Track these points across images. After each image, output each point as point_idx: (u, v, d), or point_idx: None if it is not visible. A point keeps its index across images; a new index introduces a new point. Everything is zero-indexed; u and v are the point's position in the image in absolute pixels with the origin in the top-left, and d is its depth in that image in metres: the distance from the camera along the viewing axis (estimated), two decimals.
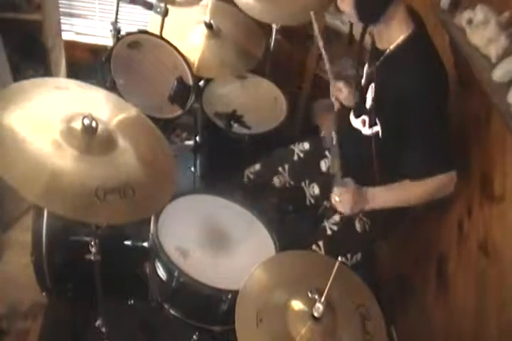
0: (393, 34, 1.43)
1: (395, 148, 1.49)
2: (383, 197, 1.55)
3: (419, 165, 1.46)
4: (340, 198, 1.54)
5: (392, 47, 1.44)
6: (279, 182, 1.91)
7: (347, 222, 1.66)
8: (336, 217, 1.69)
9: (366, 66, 1.62)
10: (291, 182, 1.89)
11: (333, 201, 1.56)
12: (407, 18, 1.42)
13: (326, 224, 1.70)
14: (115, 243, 1.65)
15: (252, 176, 1.97)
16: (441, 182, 1.45)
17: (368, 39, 1.54)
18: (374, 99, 1.51)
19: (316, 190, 1.84)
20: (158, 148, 1.45)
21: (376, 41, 1.52)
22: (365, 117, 1.57)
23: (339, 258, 1.14)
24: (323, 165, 1.85)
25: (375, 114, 1.52)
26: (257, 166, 1.96)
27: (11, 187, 1.10)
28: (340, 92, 1.84)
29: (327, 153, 1.85)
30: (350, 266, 1.65)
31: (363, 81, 1.64)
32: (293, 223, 1.58)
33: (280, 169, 1.90)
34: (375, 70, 1.51)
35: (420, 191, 1.48)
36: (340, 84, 1.83)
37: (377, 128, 1.53)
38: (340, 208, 1.55)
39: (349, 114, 1.70)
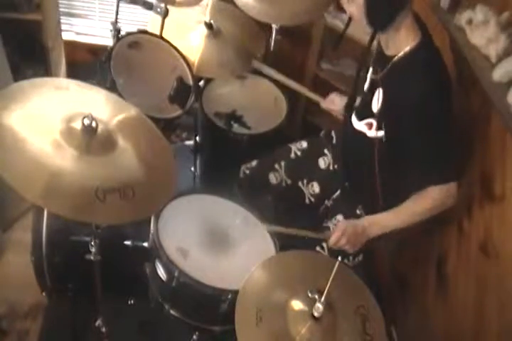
0: (401, 42, 1.44)
1: (397, 154, 1.50)
2: (384, 222, 1.53)
3: (420, 174, 1.46)
4: (338, 244, 1.52)
5: (400, 54, 1.44)
6: (275, 179, 1.91)
7: None
8: (339, 217, 1.69)
9: (370, 70, 1.62)
10: (288, 181, 1.89)
11: (334, 248, 1.55)
12: (414, 26, 1.43)
13: (330, 224, 1.70)
14: (115, 243, 1.65)
15: (247, 172, 1.97)
16: (441, 194, 1.44)
17: (374, 44, 1.54)
18: (382, 105, 1.51)
19: (316, 188, 1.84)
20: (158, 148, 1.45)
21: (383, 47, 1.52)
22: (372, 120, 1.56)
23: (339, 258, 1.14)
24: (322, 163, 1.85)
25: (382, 119, 1.52)
26: (254, 163, 1.97)
27: (10, 187, 1.10)
28: (334, 104, 1.90)
29: (325, 151, 1.85)
30: (351, 266, 1.65)
31: (366, 85, 1.64)
32: (292, 223, 1.58)
33: (276, 166, 1.90)
34: (383, 76, 1.52)
35: (421, 208, 1.47)
36: (332, 96, 1.92)
37: (382, 133, 1.53)
38: (345, 248, 1.55)
39: (350, 116, 1.70)
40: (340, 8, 1.75)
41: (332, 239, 1.52)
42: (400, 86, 1.43)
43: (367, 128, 1.59)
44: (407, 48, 1.42)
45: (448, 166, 1.45)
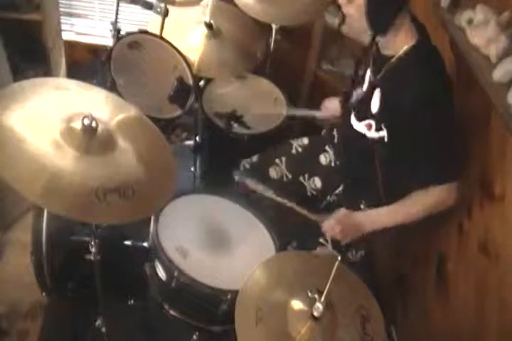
0: (399, 43, 1.45)
1: (399, 154, 1.51)
2: (381, 217, 1.55)
3: (422, 173, 1.47)
4: (330, 232, 1.55)
5: (397, 56, 1.45)
6: (276, 174, 1.90)
7: None
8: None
9: (369, 71, 1.63)
10: (289, 176, 1.89)
11: (328, 236, 1.59)
12: (412, 28, 1.44)
13: None
14: (115, 243, 1.65)
15: (247, 166, 1.97)
16: (440, 195, 1.46)
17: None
18: (380, 106, 1.52)
19: (317, 183, 1.84)
20: (158, 148, 1.45)
21: (381, 48, 1.53)
22: (371, 121, 1.57)
23: (339, 258, 1.14)
24: (323, 159, 1.85)
25: (381, 120, 1.53)
26: (254, 158, 1.97)
27: (10, 187, 1.10)
28: (330, 109, 1.96)
29: (327, 147, 1.85)
30: (353, 262, 1.66)
31: (365, 86, 1.64)
32: (296, 215, 1.58)
33: (277, 161, 1.90)
34: (381, 77, 1.53)
35: (420, 207, 1.49)
36: (325, 103, 1.97)
37: (383, 133, 1.54)
38: (336, 237, 1.57)
39: (349, 116, 1.70)
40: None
41: (326, 225, 1.55)
42: (397, 86, 1.43)
43: (366, 129, 1.60)
44: (404, 49, 1.43)
45: (450, 166, 1.46)
